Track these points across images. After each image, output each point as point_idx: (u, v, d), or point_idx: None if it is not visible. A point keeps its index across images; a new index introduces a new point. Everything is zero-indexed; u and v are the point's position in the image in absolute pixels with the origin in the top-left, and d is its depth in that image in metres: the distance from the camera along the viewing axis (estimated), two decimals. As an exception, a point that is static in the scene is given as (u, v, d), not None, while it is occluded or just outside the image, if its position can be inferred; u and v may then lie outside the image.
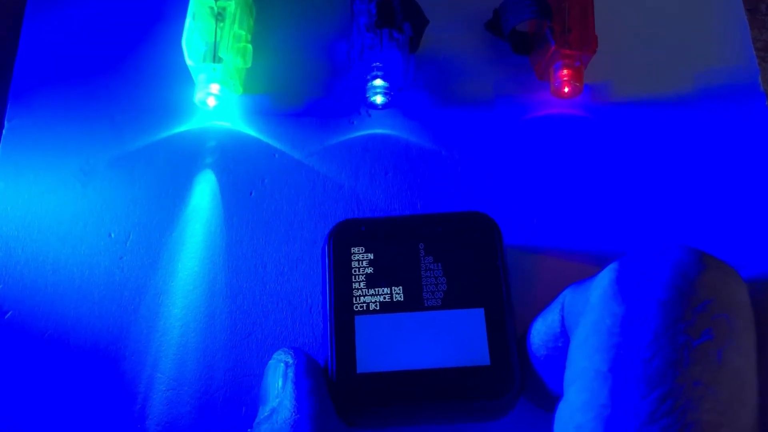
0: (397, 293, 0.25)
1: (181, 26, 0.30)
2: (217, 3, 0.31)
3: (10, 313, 0.29)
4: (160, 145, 0.32)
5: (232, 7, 0.31)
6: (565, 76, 0.31)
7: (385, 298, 0.25)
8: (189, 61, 0.30)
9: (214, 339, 0.28)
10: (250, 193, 0.31)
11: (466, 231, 0.26)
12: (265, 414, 0.23)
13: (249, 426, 0.27)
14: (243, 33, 0.32)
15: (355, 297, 0.25)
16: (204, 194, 0.31)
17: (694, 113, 0.33)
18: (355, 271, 0.25)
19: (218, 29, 0.31)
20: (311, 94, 0.33)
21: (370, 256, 0.26)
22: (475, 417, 0.25)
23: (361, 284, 0.25)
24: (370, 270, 0.25)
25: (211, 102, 0.31)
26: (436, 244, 0.26)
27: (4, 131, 0.32)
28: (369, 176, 0.31)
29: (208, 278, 0.29)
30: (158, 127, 0.32)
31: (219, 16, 0.31)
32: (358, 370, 0.24)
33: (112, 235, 0.30)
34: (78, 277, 0.29)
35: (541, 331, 0.23)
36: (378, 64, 0.31)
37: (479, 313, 0.25)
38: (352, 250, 0.26)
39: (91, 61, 0.33)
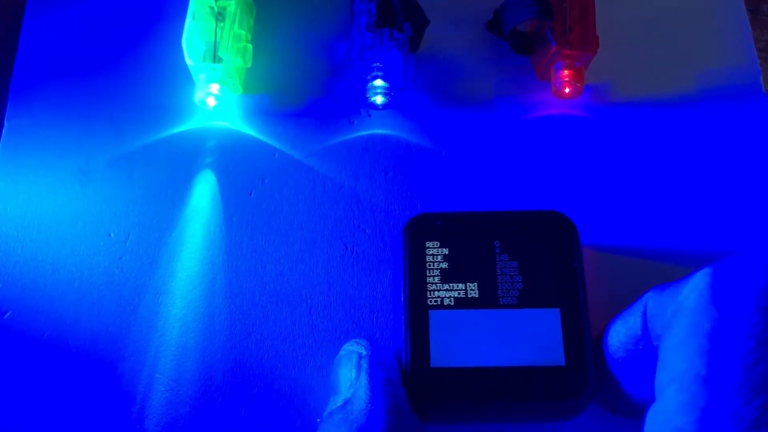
0: (471, 290, 0.25)
1: (181, 26, 0.30)
2: (218, 3, 0.31)
3: (9, 313, 0.29)
4: (159, 145, 0.32)
5: (232, 7, 0.31)
6: (565, 76, 0.31)
7: (459, 293, 0.25)
8: (189, 61, 0.30)
9: (214, 339, 0.28)
10: (250, 193, 0.31)
11: (542, 230, 0.26)
12: (338, 404, 0.23)
13: (248, 427, 0.27)
14: (243, 33, 0.32)
15: (430, 291, 0.25)
16: (203, 194, 0.31)
17: (695, 114, 0.33)
18: (429, 265, 0.26)
19: (218, 29, 0.31)
20: (311, 94, 0.33)
21: (445, 251, 0.26)
22: (546, 417, 0.25)
23: (436, 279, 0.25)
24: (444, 265, 0.26)
25: (211, 102, 0.31)
26: (512, 242, 0.26)
27: (3, 131, 0.32)
28: (369, 176, 0.31)
29: (207, 278, 0.29)
30: (158, 127, 0.32)
31: (219, 15, 0.31)
32: (432, 364, 0.24)
33: (112, 235, 0.30)
34: (77, 277, 0.29)
35: (621, 332, 0.23)
36: (378, 64, 0.31)
37: (555, 313, 0.25)
38: (427, 245, 0.26)
39: (91, 60, 0.33)
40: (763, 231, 0.30)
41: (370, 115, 0.33)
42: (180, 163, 0.31)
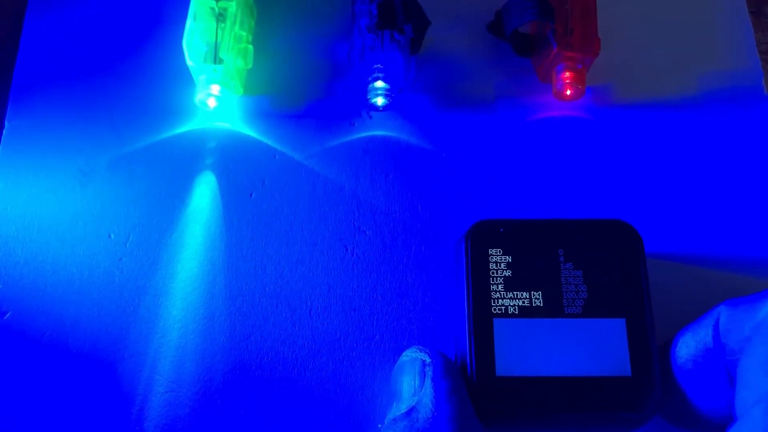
0: (536, 298, 0.25)
1: (182, 27, 0.30)
2: (218, 4, 0.31)
3: (9, 313, 0.29)
4: (160, 146, 0.32)
5: (233, 8, 0.31)
6: (567, 78, 0.31)
7: (524, 302, 0.25)
8: (190, 62, 0.30)
9: (214, 341, 0.28)
10: (250, 195, 0.31)
11: (607, 240, 0.26)
12: (402, 411, 0.23)
13: (248, 428, 0.27)
14: (244, 34, 0.32)
15: (494, 299, 0.25)
16: (204, 195, 0.31)
17: (697, 116, 0.32)
18: (492, 273, 0.25)
19: (219, 30, 0.31)
20: (312, 96, 0.33)
21: (508, 258, 0.25)
22: (610, 428, 0.25)
23: (499, 287, 0.25)
24: (508, 273, 0.25)
25: (212, 103, 0.31)
26: (576, 251, 0.25)
27: (4, 131, 0.32)
28: (369, 178, 0.31)
29: (207, 280, 0.29)
30: (158, 128, 0.32)
31: (220, 16, 0.31)
32: (498, 373, 0.24)
33: (112, 236, 0.30)
34: (77, 278, 0.29)
35: (690, 344, 0.23)
36: (379, 65, 0.31)
37: (620, 323, 0.24)
38: (490, 252, 0.25)
39: (91, 61, 0.33)
40: (764, 232, 0.30)
41: (370, 117, 0.33)
42: (180, 164, 0.31)
